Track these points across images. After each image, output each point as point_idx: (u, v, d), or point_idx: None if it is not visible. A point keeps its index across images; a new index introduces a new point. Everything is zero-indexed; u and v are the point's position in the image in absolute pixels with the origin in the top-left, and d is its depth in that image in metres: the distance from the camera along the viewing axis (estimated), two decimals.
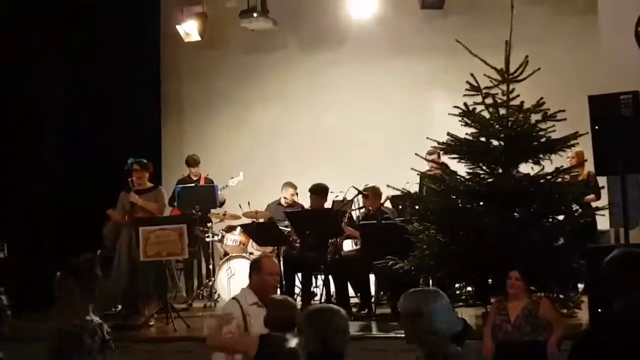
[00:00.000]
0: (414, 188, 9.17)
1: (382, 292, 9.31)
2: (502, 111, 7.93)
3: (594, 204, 8.80)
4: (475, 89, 7.96)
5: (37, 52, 11.05)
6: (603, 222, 8.76)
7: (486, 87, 7.97)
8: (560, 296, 7.75)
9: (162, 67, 12.99)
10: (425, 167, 9.28)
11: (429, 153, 9.61)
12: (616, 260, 3.95)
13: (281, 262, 9.50)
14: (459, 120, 8.04)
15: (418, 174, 8.84)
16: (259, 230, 9.86)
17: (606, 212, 8.12)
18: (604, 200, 8.68)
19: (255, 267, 6.04)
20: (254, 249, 10.59)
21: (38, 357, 3.96)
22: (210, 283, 10.59)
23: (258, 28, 12.05)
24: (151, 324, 8.82)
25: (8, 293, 4.21)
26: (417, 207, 8.64)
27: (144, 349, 7.92)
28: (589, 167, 8.63)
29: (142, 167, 9.20)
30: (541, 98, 7.87)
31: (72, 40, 11.55)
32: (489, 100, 7.96)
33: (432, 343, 3.59)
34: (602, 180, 8.80)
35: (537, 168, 7.95)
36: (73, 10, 11.51)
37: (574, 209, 8.16)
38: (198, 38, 12.43)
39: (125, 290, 8.88)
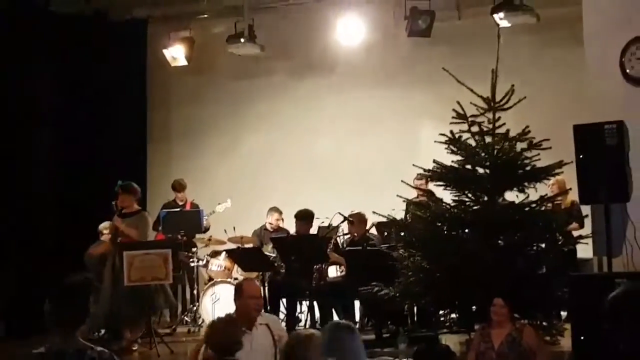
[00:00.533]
0: (399, 215, 9.18)
1: (366, 319, 9.29)
2: (488, 139, 7.96)
3: (576, 233, 8.84)
4: (461, 116, 7.99)
5: (33, 68, 11.16)
6: (586, 251, 8.79)
7: (472, 115, 7.99)
8: (544, 323, 7.75)
9: (148, 91, 13.00)
10: (412, 194, 9.29)
11: (417, 179, 9.63)
12: (622, 298, 3.72)
13: (266, 288, 9.50)
14: (445, 148, 8.06)
15: (404, 201, 8.84)
16: (244, 256, 9.85)
17: (589, 241, 8.15)
18: (586, 229, 8.71)
19: (237, 291, 6.03)
20: (239, 275, 10.57)
21: None
22: (195, 308, 10.55)
23: (245, 53, 12.08)
24: (134, 348, 8.77)
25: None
26: (402, 233, 8.65)
27: None
28: (573, 195, 8.66)
29: (124, 191, 9.14)
30: (527, 126, 7.90)
31: (65, 54, 11.65)
32: (475, 128, 7.99)
33: None
34: (585, 209, 8.84)
35: (522, 196, 7.97)
36: (65, 33, 11.61)
37: (557, 237, 8.19)
38: (185, 63, 12.45)
39: (108, 315, 8.80)
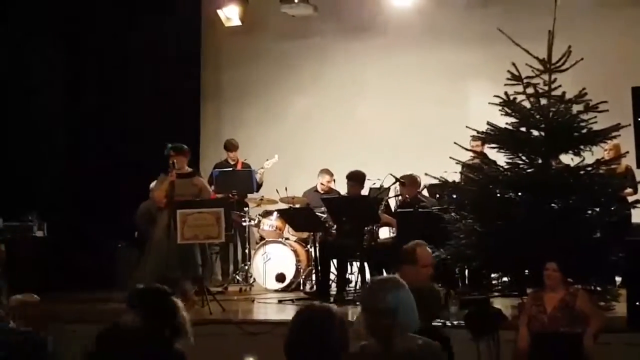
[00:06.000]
0: (451, 177, 9.12)
1: None
2: (544, 101, 7.87)
3: (631, 198, 8.73)
4: (516, 78, 7.90)
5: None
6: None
7: (527, 77, 7.90)
8: (598, 289, 7.68)
9: (202, 52, 13.05)
10: (464, 156, 9.20)
11: (473, 140, 9.48)
12: None
13: (317, 248, 9.53)
14: (499, 110, 7.98)
15: (457, 163, 8.77)
16: (296, 216, 9.88)
17: None
18: None
19: (409, 258, 5.44)
20: (290, 234, 10.63)
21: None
22: (246, 267, 10.65)
23: (298, 14, 12.01)
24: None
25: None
26: (454, 196, 8.59)
27: None
28: (628, 159, 8.53)
29: (179, 153, 9.11)
30: (583, 89, 7.80)
31: (120, 12, 11.78)
32: (530, 90, 7.90)
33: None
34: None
35: (577, 159, 7.87)
36: None
37: (612, 201, 8.08)
38: (239, 23, 12.42)
39: (163, 272, 8.83)
